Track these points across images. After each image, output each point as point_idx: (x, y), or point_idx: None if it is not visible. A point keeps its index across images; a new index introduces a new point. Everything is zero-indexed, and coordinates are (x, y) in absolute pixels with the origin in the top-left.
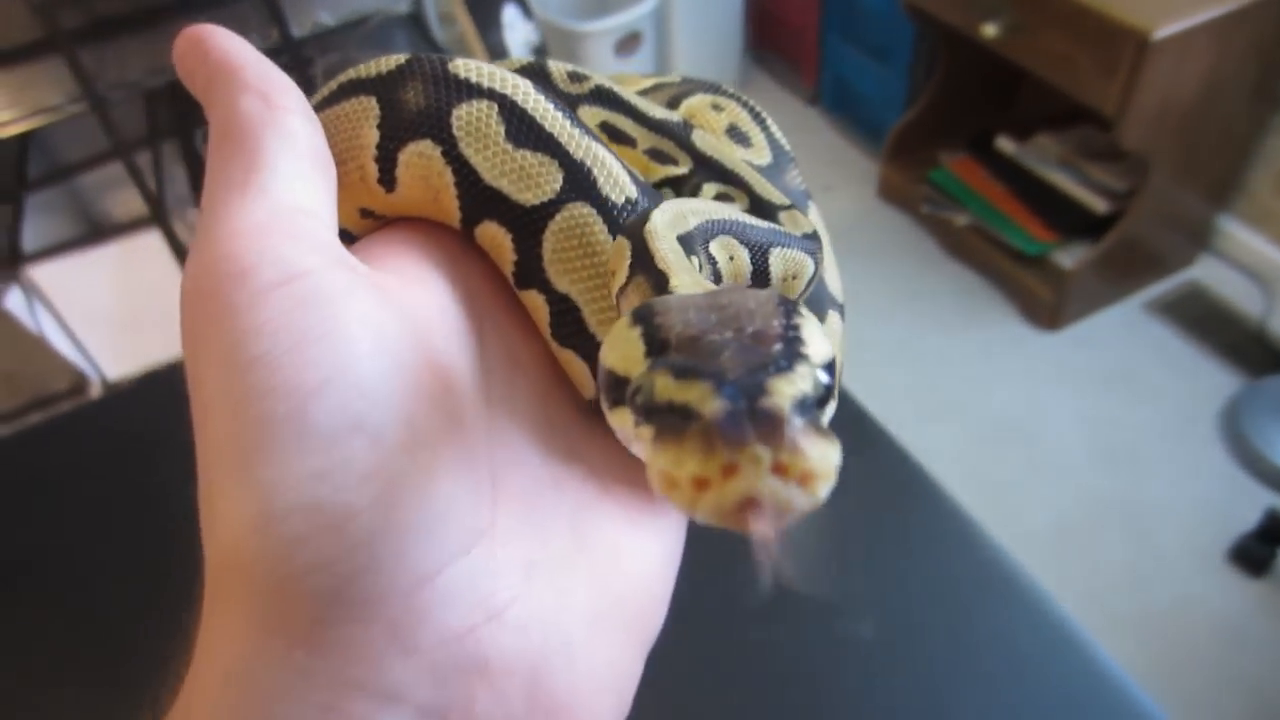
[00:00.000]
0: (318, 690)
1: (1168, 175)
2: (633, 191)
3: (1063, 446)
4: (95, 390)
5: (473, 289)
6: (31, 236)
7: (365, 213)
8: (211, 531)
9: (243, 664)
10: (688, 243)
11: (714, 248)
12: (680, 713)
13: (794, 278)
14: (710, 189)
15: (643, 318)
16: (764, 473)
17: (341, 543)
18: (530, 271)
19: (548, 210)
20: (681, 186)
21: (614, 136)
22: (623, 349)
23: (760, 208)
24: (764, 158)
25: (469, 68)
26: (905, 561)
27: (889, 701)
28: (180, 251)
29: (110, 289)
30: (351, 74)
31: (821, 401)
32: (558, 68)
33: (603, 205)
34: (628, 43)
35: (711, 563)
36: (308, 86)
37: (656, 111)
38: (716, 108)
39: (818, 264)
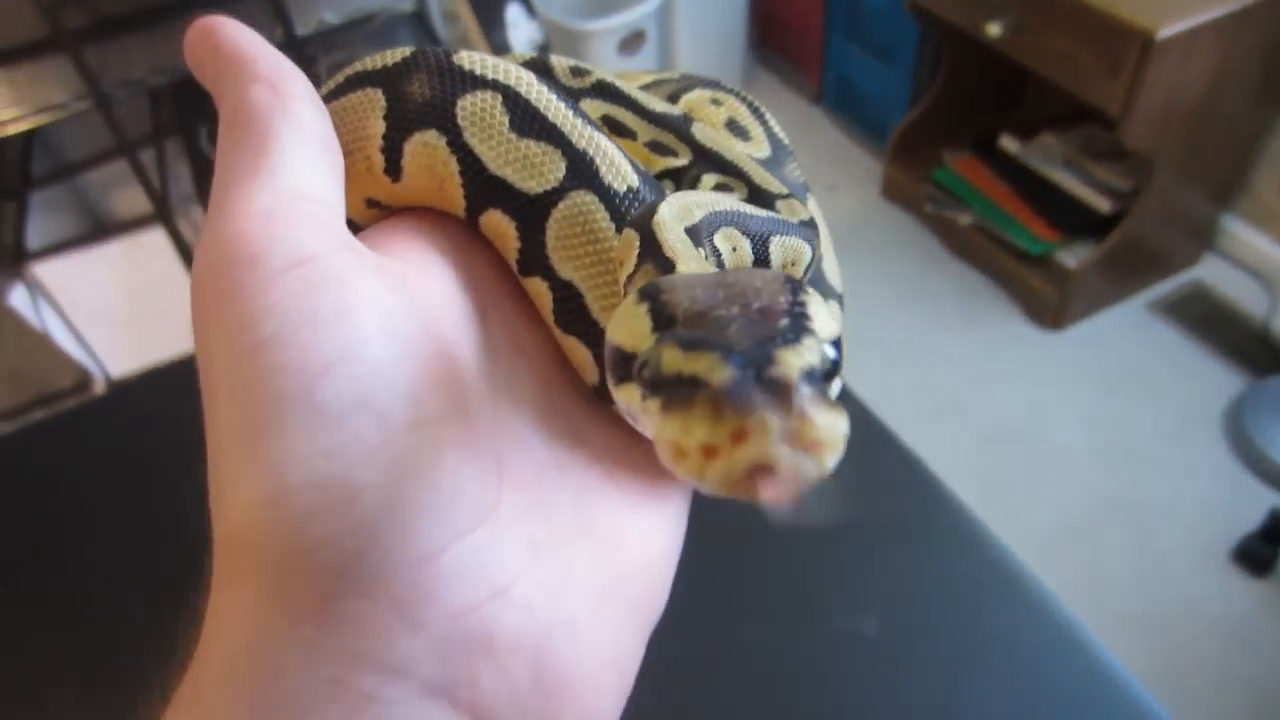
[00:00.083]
0: (326, 664)
1: (1172, 175)
2: (634, 180)
3: (1066, 446)
4: (99, 387)
5: (477, 277)
6: (36, 234)
7: (371, 203)
8: (221, 508)
9: (251, 638)
10: (695, 235)
11: (718, 239)
12: (683, 709)
13: (793, 264)
14: (709, 180)
15: (649, 295)
16: (773, 439)
17: (349, 519)
18: (534, 259)
19: (551, 198)
20: (681, 177)
21: (615, 129)
22: (630, 325)
23: (758, 197)
24: (763, 151)
25: (473, 60)
26: (908, 560)
27: (892, 699)
28: (184, 249)
29: (114, 286)
30: (358, 67)
31: (828, 376)
32: (560, 62)
33: (605, 194)
34: (631, 42)
35: (714, 560)
36: (312, 84)
37: (657, 105)
38: (716, 102)
39: (815, 250)
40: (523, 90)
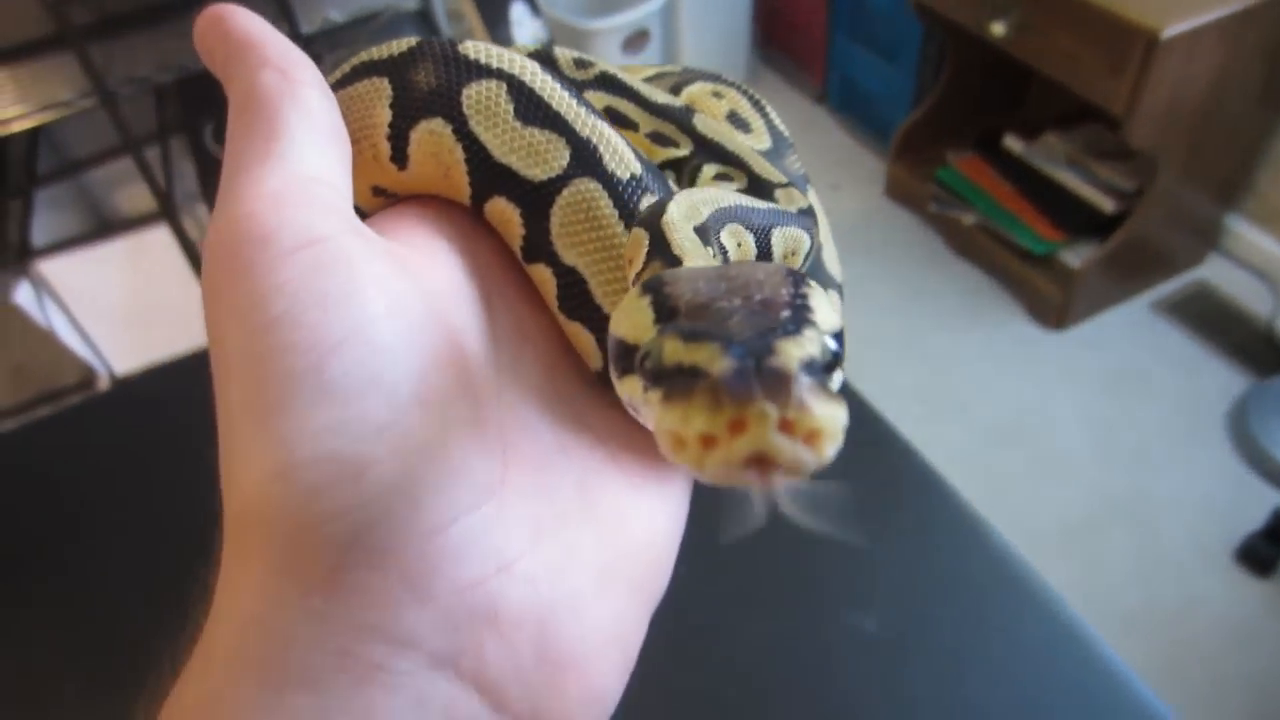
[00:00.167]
0: (334, 635)
1: (1176, 174)
2: (637, 168)
3: (1069, 446)
4: (103, 384)
5: (482, 263)
6: (41, 231)
7: (378, 191)
8: (232, 483)
9: (261, 610)
10: (703, 234)
11: (724, 236)
12: (686, 704)
13: (793, 254)
14: (710, 170)
15: (652, 288)
16: (771, 429)
17: (358, 492)
18: (538, 245)
19: (555, 186)
20: (682, 168)
21: (617, 121)
22: (633, 318)
23: (758, 186)
24: (763, 143)
25: (478, 49)
26: (911, 558)
27: (895, 695)
28: (189, 247)
29: (119, 284)
30: (364, 56)
31: (829, 368)
32: (564, 54)
33: (608, 181)
34: (635, 40)
35: (718, 556)
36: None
37: (659, 97)
38: (717, 95)
39: (813, 238)
40: (527, 79)
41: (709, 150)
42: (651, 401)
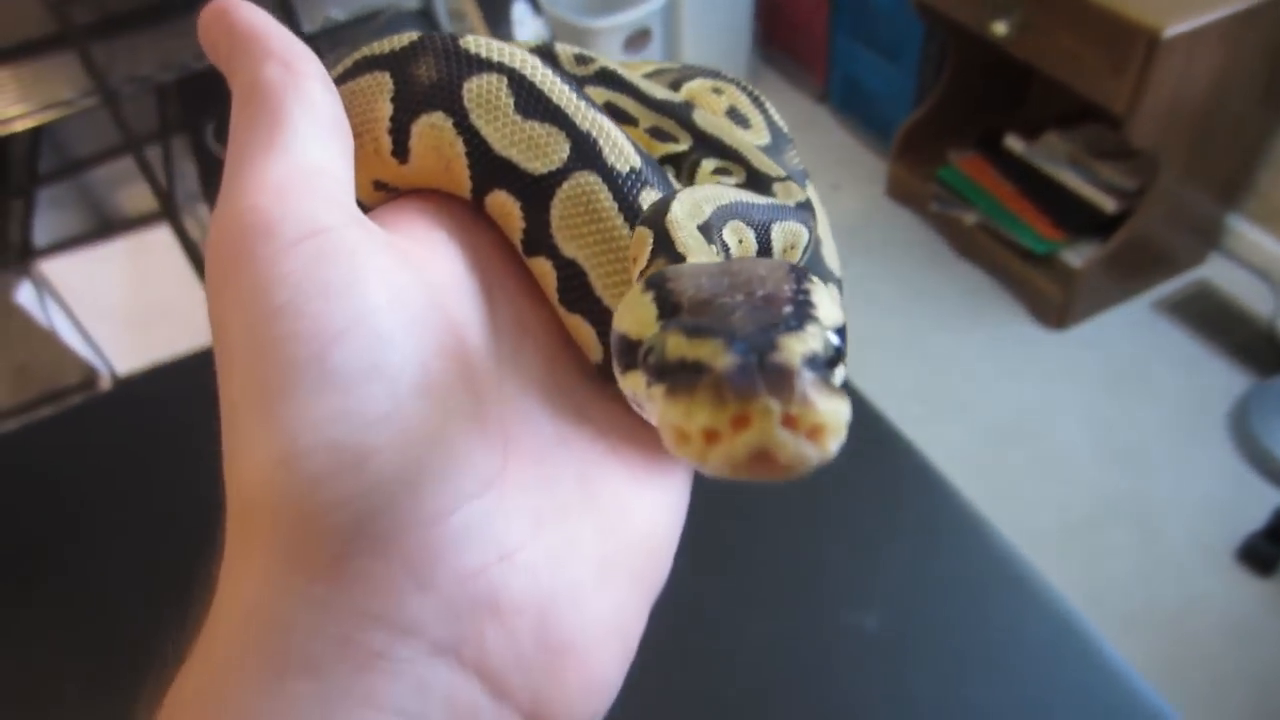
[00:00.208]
0: (336, 622)
1: (1177, 174)
2: (637, 162)
3: (1071, 445)
4: (105, 384)
5: (483, 257)
6: (42, 231)
7: (379, 185)
8: (235, 473)
9: (264, 598)
10: (706, 232)
11: (726, 233)
12: (687, 701)
13: (792, 248)
14: (709, 164)
15: (655, 284)
16: (775, 424)
17: (360, 481)
18: (538, 239)
19: (555, 179)
20: (681, 162)
21: (617, 116)
22: (636, 313)
23: (756, 180)
24: (763, 138)
25: (479, 43)
26: (913, 558)
27: (897, 693)
28: (190, 246)
29: (120, 284)
30: (365, 51)
31: (831, 363)
32: (564, 50)
33: (608, 174)
34: (636, 40)
35: (720, 554)
36: None
37: (658, 92)
38: (716, 91)
39: (811, 231)
40: (528, 73)
41: (708, 145)
42: (655, 397)
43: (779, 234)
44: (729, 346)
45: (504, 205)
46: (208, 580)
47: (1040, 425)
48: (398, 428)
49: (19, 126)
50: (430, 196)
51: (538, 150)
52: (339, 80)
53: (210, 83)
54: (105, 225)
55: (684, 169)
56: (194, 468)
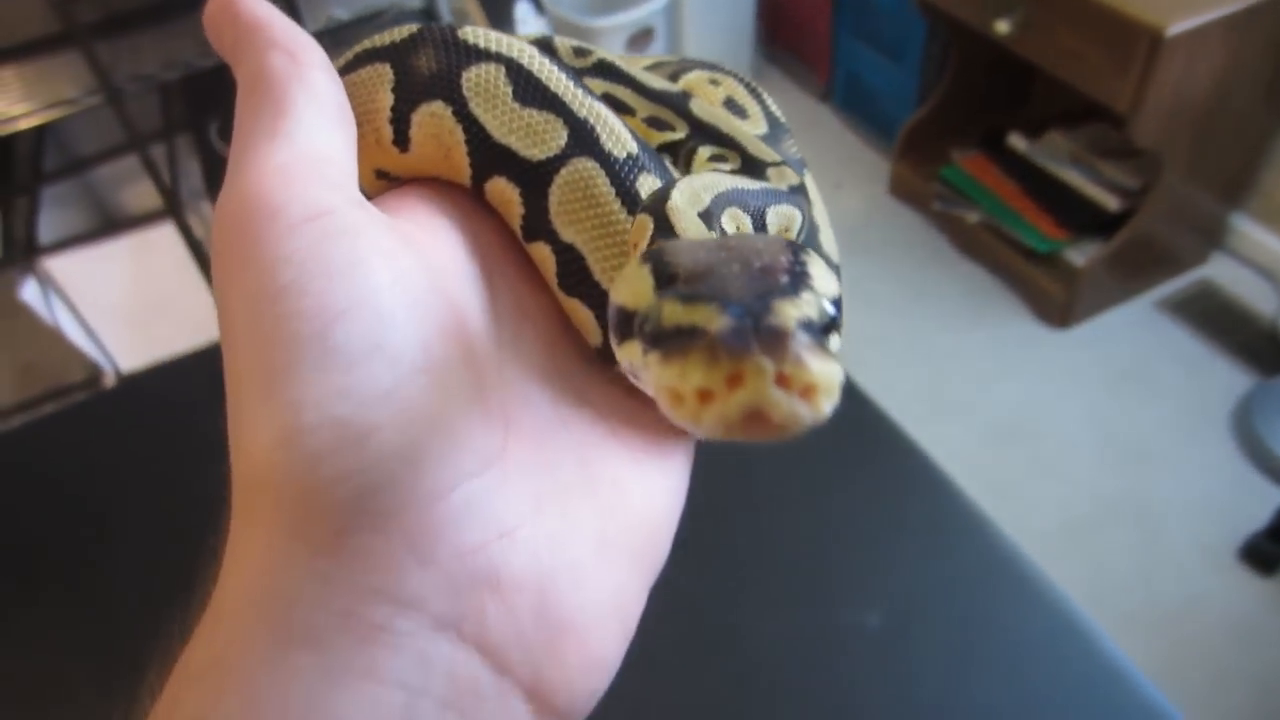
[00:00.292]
0: (338, 596)
1: (1180, 173)
2: (634, 148)
3: (1073, 444)
4: (109, 381)
5: (483, 243)
6: (47, 229)
7: (380, 174)
8: (240, 449)
9: (268, 572)
10: (706, 219)
11: (724, 219)
12: (689, 699)
13: (786, 230)
14: (705, 151)
15: (652, 256)
16: (768, 384)
17: (363, 456)
18: (537, 224)
19: (554, 165)
20: (678, 150)
21: (615, 107)
22: (633, 285)
23: (751, 165)
24: (760, 128)
25: (477, 34)
26: (916, 557)
27: (899, 692)
28: (194, 244)
29: (125, 281)
30: (366, 44)
31: (826, 330)
32: (563, 43)
33: (605, 160)
34: (639, 39)
35: (722, 551)
36: None
37: (656, 83)
38: (714, 82)
39: (804, 213)
40: (525, 62)
41: (704, 133)
42: (651, 364)
43: (774, 218)
44: (724, 310)
45: (503, 192)
46: (213, 556)
47: (1042, 424)
48: (399, 405)
49: (24, 125)
50: (431, 184)
51: (536, 137)
52: (341, 72)
53: (214, 81)
54: (109, 223)
55: (680, 156)
56: (198, 464)
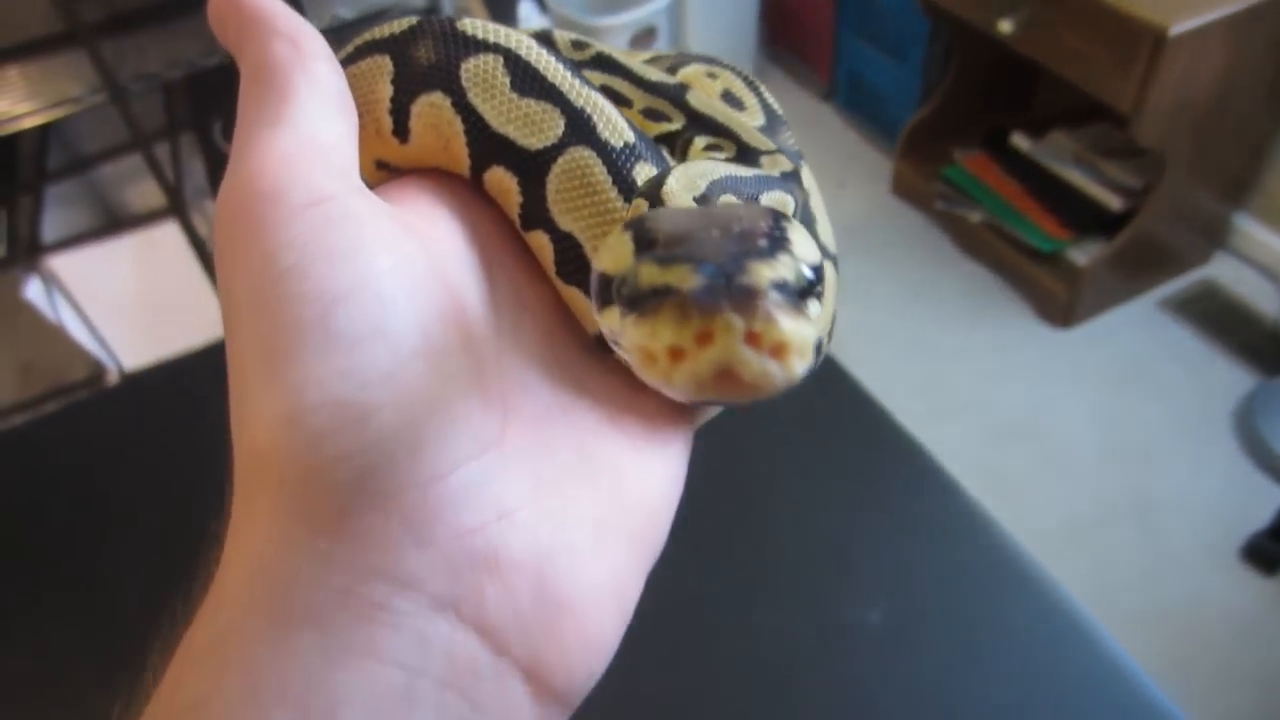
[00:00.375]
0: (337, 574)
1: (1183, 172)
2: (630, 137)
3: (1075, 444)
4: (112, 379)
5: (482, 232)
6: (51, 227)
7: (381, 165)
8: (242, 431)
9: (269, 552)
10: (702, 204)
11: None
12: (690, 694)
13: None
14: (700, 141)
15: (634, 224)
16: (737, 340)
17: (363, 436)
18: (536, 213)
19: (551, 154)
20: (674, 141)
21: (612, 99)
22: (614, 251)
23: (745, 153)
24: (757, 120)
25: (475, 26)
26: (918, 555)
27: (901, 689)
28: (198, 243)
29: (128, 279)
30: (367, 36)
31: (803, 294)
32: (562, 36)
33: (602, 149)
34: (642, 38)
35: (724, 549)
36: None
37: (653, 75)
38: (711, 75)
39: (796, 199)
40: (523, 53)
41: (700, 124)
42: (627, 325)
43: (765, 203)
44: (697, 270)
45: (502, 181)
46: (215, 539)
47: (1045, 423)
48: (399, 388)
49: (28, 123)
50: (431, 175)
51: (533, 126)
52: (342, 64)
53: (218, 80)
54: (113, 221)
55: (677, 147)
56: (202, 463)
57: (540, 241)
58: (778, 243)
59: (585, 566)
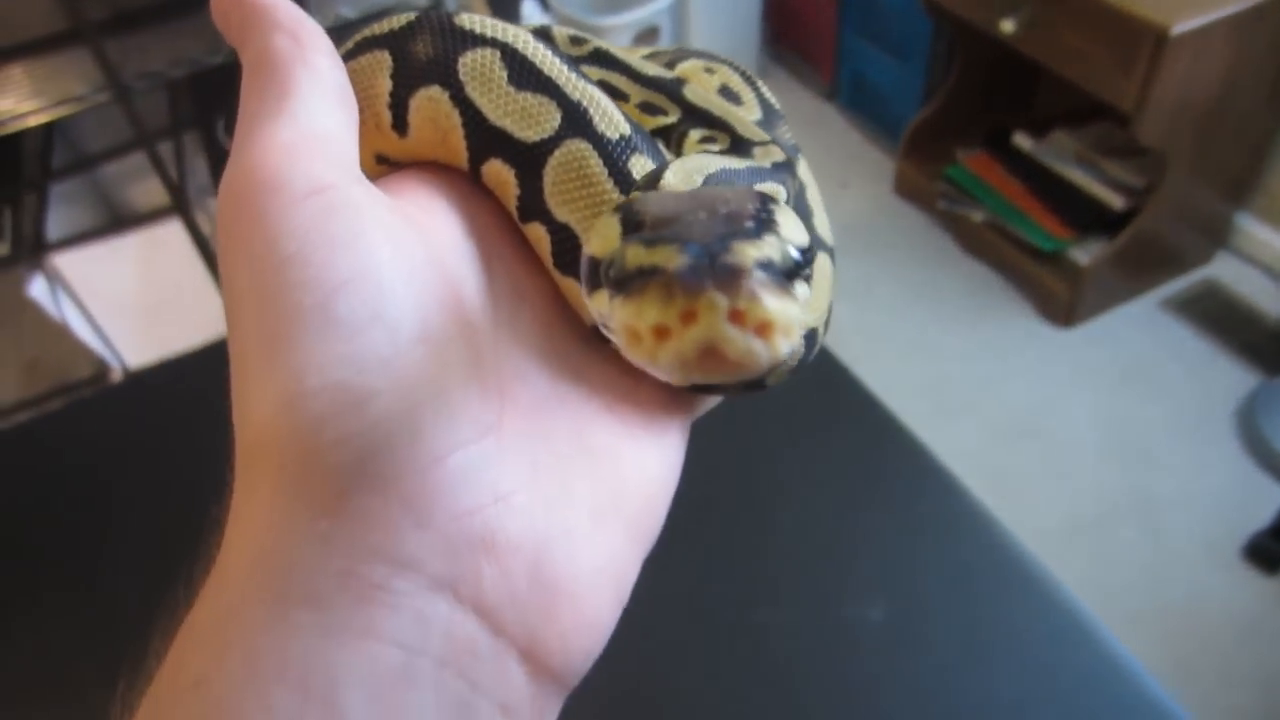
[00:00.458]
0: (337, 556)
1: (1185, 172)
2: (626, 129)
3: (1077, 443)
4: (116, 377)
5: (480, 225)
6: (55, 225)
7: (380, 158)
8: (243, 415)
9: (270, 534)
10: None
11: None
12: (691, 692)
13: None
14: (696, 134)
15: (623, 208)
16: (721, 318)
17: (362, 419)
18: (533, 205)
19: (548, 146)
20: (670, 134)
21: (609, 93)
22: (603, 235)
23: (739, 145)
24: (754, 114)
25: (473, 20)
26: (920, 553)
27: (902, 686)
28: (201, 241)
29: (132, 277)
30: (366, 32)
31: (790, 274)
32: (560, 32)
33: (598, 141)
34: (645, 38)
35: (725, 546)
36: None
37: (650, 70)
38: (709, 70)
39: (788, 189)
40: (520, 47)
41: (696, 117)
42: (615, 307)
43: None
44: (683, 250)
45: (499, 173)
46: (216, 523)
47: (1047, 422)
48: (398, 373)
49: (32, 122)
50: (430, 168)
51: (530, 119)
52: (342, 60)
53: (221, 79)
54: (117, 220)
55: (672, 140)
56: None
57: (538, 233)
58: (764, 224)
59: (582, 550)
